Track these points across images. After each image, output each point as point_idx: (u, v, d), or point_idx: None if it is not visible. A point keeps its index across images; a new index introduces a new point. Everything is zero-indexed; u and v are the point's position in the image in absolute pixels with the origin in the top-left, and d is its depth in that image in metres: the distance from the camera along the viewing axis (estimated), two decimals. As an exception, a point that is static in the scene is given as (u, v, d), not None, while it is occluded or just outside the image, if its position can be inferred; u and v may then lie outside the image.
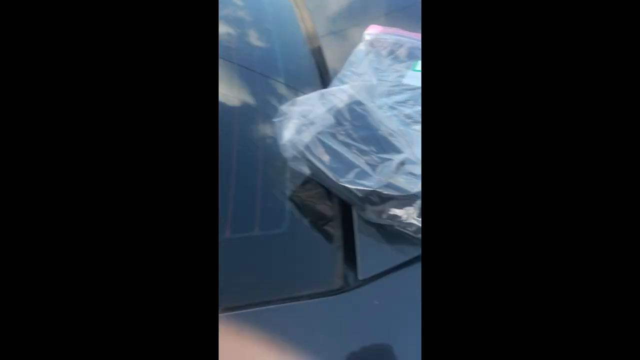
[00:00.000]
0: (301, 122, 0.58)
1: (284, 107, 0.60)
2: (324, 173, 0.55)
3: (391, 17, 0.89)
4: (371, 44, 0.75)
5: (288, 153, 0.59)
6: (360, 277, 0.55)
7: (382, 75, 0.70)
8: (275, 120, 0.61)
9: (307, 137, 0.57)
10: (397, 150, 0.56)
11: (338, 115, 0.59)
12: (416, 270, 0.56)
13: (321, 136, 0.57)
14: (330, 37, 0.82)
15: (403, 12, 0.91)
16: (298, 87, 0.73)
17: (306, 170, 0.59)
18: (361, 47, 0.74)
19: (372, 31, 0.75)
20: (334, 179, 0.54)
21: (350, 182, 0.54)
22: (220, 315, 0.50)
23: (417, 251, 0.57)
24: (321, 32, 0.82)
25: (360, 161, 0.55)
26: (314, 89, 0.72)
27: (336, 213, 0.61)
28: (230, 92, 0.68)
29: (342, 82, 0.69)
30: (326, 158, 0.56)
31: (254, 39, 0.77)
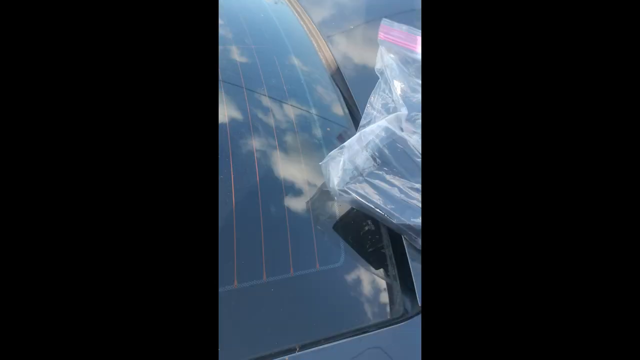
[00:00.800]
0: (349, 168, 0.61)
1: (332, 152, 0.63)
2: (380, 214, 0.59)
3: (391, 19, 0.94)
4: (387, 51, 0.79)
5: (338, 196, 0.61)
6: (420, 304, 0.59)
7: (407, 98, 0.73)
8: (322, 163, 0.63)
9: (359, 186, 0.60)
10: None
11: (381, 156, 0.62)
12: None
13: (371, 179, 0.60)
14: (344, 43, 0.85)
15: (401, 17, 0.95)
16: (329, 118, 0.76)
17: (354, 204, 0.62)
18: (379, 64, 0.78)
19: (384, 30, 0.80)
20: (393, 220, 0.58)
21: (407, 220, 0.57)
22: (297, 352, 0.52)
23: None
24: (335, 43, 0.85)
25: (410, 198, 0.59)
26: (344, 118, 0.75)
27: (387, 243, 0.64)
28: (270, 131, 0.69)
29: (374, 108, 0.72)
30: (380, 200, 0.59)
31: (282, 75, 0.79)
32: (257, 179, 0.64)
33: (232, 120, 0.68)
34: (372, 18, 0.94)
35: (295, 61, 0.83)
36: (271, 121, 0.71)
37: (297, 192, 0.66)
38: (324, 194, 0.65)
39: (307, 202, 0.65)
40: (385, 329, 0.58)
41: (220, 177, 0.61)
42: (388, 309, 0.60)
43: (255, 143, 0.67)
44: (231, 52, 0.79)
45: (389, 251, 0.63)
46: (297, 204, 0.64)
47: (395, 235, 0.64)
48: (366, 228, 0.65)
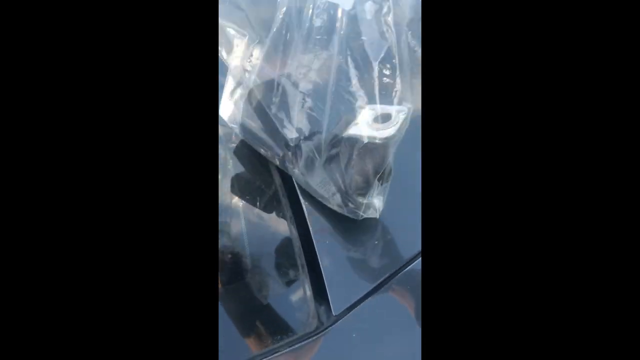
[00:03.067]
0: None
1: None
2: None
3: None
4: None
5: None
6: (335, 313, 0.55)
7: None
8: None
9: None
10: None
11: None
12: (385, 293, 0.58)
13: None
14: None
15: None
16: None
17: None
18: None
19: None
20: None
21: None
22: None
23: (382, 275, 0.59)
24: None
25: None
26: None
27: (298, 251, 0.59)
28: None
29: None
30: None
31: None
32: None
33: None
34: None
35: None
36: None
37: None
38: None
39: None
40: (300, 345, 0.53)
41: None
42: (301, 323, 0.56)
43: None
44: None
45: (300, 260, 0.59)
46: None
47: (308, 242, 0.59)
48: (275, 235, 0.60)
